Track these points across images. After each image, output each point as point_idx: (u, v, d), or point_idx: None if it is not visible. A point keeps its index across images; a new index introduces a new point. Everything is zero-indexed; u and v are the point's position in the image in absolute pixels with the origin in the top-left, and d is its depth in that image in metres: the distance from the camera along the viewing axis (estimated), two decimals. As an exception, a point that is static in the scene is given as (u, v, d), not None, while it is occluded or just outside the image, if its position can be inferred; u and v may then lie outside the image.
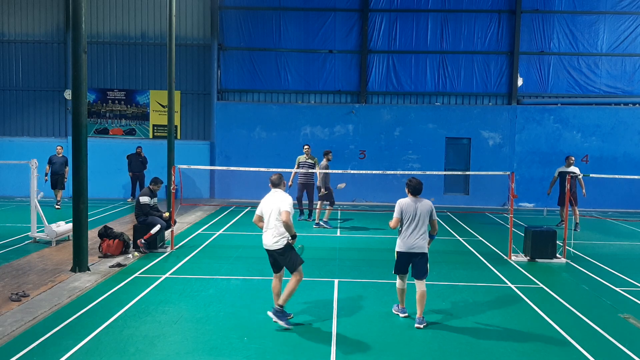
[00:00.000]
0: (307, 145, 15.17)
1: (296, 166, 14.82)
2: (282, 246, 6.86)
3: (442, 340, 6.61)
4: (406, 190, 7.38)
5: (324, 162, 14.47)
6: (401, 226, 7.18)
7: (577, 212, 14.55)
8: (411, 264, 7.20)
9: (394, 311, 7.58)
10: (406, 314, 7.38)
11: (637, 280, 9.58)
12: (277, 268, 7.11)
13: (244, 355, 6.06)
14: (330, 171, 14.39)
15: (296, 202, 14.98)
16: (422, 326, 6.96)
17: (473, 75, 20.34)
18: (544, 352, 6.31)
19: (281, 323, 6.80)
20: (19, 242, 11.85)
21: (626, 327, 7.20)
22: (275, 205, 6.83)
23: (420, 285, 7.12)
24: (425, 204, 7.23)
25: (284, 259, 6.92)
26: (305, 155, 14.99)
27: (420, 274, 7.15)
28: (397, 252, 7.23)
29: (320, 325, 7.03)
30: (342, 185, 14.32)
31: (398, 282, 7.39)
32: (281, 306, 6.85)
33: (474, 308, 7.88)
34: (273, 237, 6.85)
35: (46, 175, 17.32)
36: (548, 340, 6.69)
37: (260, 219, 7.06)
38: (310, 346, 6.36)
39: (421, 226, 7.12)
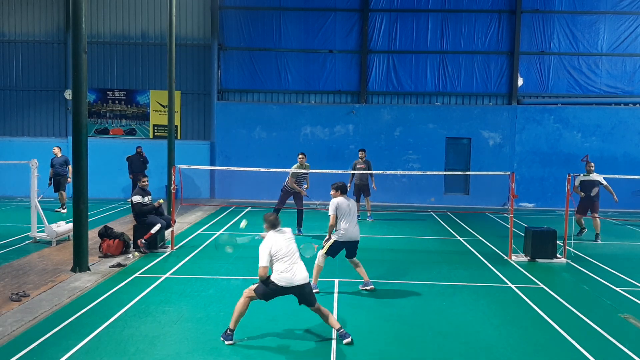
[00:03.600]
0: (302, 153, 13.58)
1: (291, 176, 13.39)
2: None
3: (442, 340, 6.61)
4: (338, 193, 8.46)
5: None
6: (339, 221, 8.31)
7: (599, 222, 13.32)
8: (346, 249, 8.48)
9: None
10: (318, 290, 8.31)
11: (637, 280, 9.58)
12: (306, 302, 6.65)
13: (244, 355, 6.06)
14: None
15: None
16: (373, 287, 8.54)
17: (473, 75, 20.33)
18: (544, 352, 6.31)
19: (348, 339, 6.44)
20: (19, 242, 11.85)
21: (626, 327, 7.20)
22: (293, 243, 6.66)
23: (354, 261, 8.64)
24: (353, 201, 8.63)
25: (310, 291, 6.60)
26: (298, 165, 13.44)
27: (353, 254, 8.61)
28: (336, 241, 8.33)
29: (320, 325, 7.03)
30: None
31: (321, 261, 8.39)
32: (339, 330, 6.53)
33: (474, 308, 7.88)
34: (304, 270, 6.54)
35: (50, 179, 16.73)
36: (548, 340, 6.69)
37: (272, 262, 6.50)
38: (310, 346, 6.37)
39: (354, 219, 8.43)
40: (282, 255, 6.42)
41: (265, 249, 6.37)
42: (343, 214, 8.30)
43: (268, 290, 6.39)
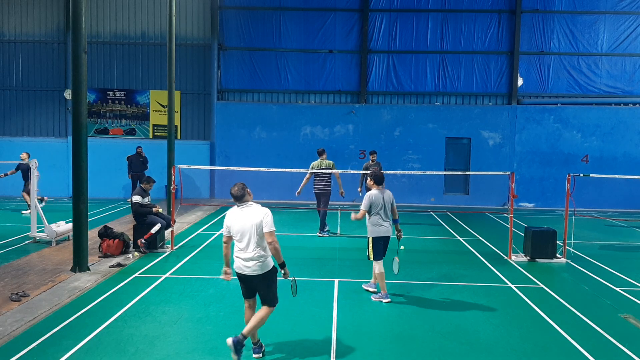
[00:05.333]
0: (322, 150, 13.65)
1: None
2: (265, 271, 5.80)
3: (442, 340, 6.61)
4: (370, 182, 8.08)
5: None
6: (370, 216, 7.95)
7: None
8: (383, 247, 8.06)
9: (374, 299, 8.05)
10: (389, 299, 7.96)
11: (637, 280, 9.58)
12: (251, 294, 6.02)
13: (244, 355, 6.05)
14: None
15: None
16: (389, 300, 7.97)
17: (473, 75, 20.34)
18: (544, 352, 6.31)
19: (234, 357, 5.69)
20: (19, 242, 11.85)
21: (626, 327, 7.20)
22: (256, 220, 5.68)
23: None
24: (389, 193, 8.16)
25: (266, 286, 5.85)
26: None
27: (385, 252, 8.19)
28: (373, 238, 7.96)
29: (320, 325, 7.03)
30: None
31: (380, 267, 7.99)
32: (256, 343, 5.99)
33: (474, 308, 7.88)
34: (253, 260, 5.73)
35: (5, 174, 16.11)
36: (548, 340, 6.69)
37: (230, 239, 5.92)
38: (310, 346, 6.36)
39: (387, 213, 8.08)
40: (234, 232, 5.80)
41: (225, 219, 5.90)
42: (377, 208, 7.93)
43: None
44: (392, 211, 8.20)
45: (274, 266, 5.88)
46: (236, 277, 5.99)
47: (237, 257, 5.83)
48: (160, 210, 11.40)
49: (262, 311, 5.89)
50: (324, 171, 13.00)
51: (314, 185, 13.30)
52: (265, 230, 5.64)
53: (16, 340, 6.34)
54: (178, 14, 19.04)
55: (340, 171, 13.43)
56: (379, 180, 8.02)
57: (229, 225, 5.84)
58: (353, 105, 20.36)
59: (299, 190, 13.32)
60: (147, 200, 11.23)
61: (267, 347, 6.25)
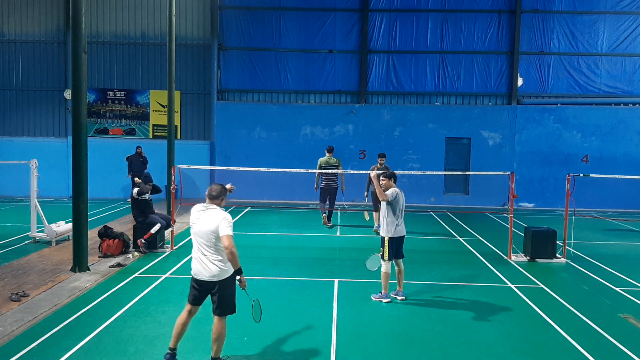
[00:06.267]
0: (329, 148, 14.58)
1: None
2: (223, 277, 5.55)
3: (442, 341, 6.61)
4: (392, 182, 8.09)
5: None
6: (389, 215, 7.93)
7: None
8: (396, 247, 8.02)
9: (374, 299, 8.05)
10: (389, 299, 7.99)
11: (637, 280, 9.59)
12: (198, 301, 5.73)
13: (244, 355, 6.06)
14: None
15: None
16: (404, 298, 8.06)
17: (473, 75, 20.34)
18: (544, 352, 6.31)
19: None
20: (19, 242, 11.85)
21: (626, 327, 7.20)
22: (212, 226, 5.43)
23: (400, 264, 8.20)
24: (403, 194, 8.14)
25: (223, 293, 5.58)
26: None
27: (401, 254, 8.17)
28: (390, 238, 7.92)
29: (320, 325, 7.03)
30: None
31: (387, 267, 7.97)
32: (217, 359, 5.71)
33: (474, 308, 7.88)
34: (211, 264, 5.48)
35: None
36: (548, 340, 6.69)
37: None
38: (310, 346, 6.36)
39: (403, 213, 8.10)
40: (193, 232, 5.60)
41: (190, 217, 5.67)
42: (397, 207, 7.94)
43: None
44: None
45: (234, 273, 5.59)
46: (191, 280, 5.69)
47: (194, 260, 5.58)
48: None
49: (216, 327, 5.61)
50: (330, 170, 13.86)
51: (322, 180, 14.18)
52: (221, 234, 5.37)
53: (16, 340, 6.34)
54: (178, 14, 19.04)
55: (344, 171, 14.41)
56: (395, 180, 8.10)
57: (190, 224, 5.66)
58: (353, 105, 20.36)
59: (316, 186, 14.36)
60: (147, 197, 11.18)
61: (267, 347, 6.25)
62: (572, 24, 20.01)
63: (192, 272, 5.62)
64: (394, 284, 8.32)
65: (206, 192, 5.65)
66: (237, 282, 5.59)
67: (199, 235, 5.49)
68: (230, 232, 5.41)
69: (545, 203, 19.92)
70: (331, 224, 14.61)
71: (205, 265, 5.48)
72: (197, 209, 5.62)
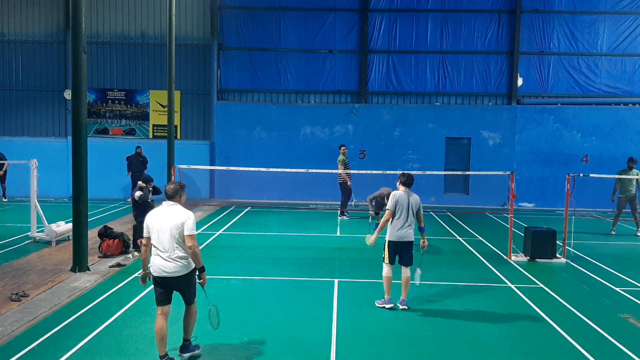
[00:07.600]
0: (343, 145, 16.25)
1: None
2: (188, 271, 5.70)
3: (442, 341, 6.61)
4: (398, 183, 7.85)
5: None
6: (393, 217, 7.63)
7: None
8: (399, 253, 7.72)
9: (378, 305, 7.82)
10: (392, 305, 7.72)
11: (637, 280, 9.59)
12: (167, 300, 5.77)
13: (244, 355, 6.06)
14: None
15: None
16: (406, 307, 7.68)
17: (473, 75, 20.34)
18: (544, 352, 6.31)
19: (196, 352, 6.02)
20: (19, 242, 11.84)
21: (626, 327, 7.20)
22: (177, 222, 5.56)
23: (405, 272, 7.80)
24: (416, 197, 7.77)
25: (186, 287, 5.78)
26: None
27: (408, 261, 7.78)
28: (389, 241, 7.68)
29: (320, 325, 7.03)
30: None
31: (387, 270, 7.75)
32: (188, 340, 5.98)
33: (474, 308, 7.88)
34: (174, 261, 5.60)
35: None
36: (548, 340, 6.69)
37: (149, 240, 5.73)
38: (310, 346, 6.36)
39: (410, 217, 7.69)
40: (153, 231, 5.69)
41: (146, 219, 5.79)
42: (400, 210, 7.55)
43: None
44: (417, 218, 7.74)
45: (195, 267, 5.76)
46: (152, 281, 5.75)
47: (156, 257, 5.64)
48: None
49: (189, 312, 5.90)
50: (338, 171, 15.47)
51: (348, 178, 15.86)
52: (185, 233, 5.52)
53: (16, 340, 6.34)
54: (178, 14, 19.03)
55: (345, 170, 15.56)
56: (408, 182, 7.72)
57: (148, 225, 5.72)
58: (353, 105, 20.36)
59: (349, 183, 15.87)
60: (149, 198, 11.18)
61: (267, 347, 6.24)
62: (572, 24, 20.01)
63: (152, 271, 5.68)
64: (398, 286, 8.00)
65: (166, 193, 5.78)
66: (198, 281, 5.79)
67: (162, 231, 5.59)
68: (194, 232, 5.58)
69: (545, 203, 19.92)
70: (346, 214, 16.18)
71: (169, 261, 5.59)
72: (155, 211, 5.79)
